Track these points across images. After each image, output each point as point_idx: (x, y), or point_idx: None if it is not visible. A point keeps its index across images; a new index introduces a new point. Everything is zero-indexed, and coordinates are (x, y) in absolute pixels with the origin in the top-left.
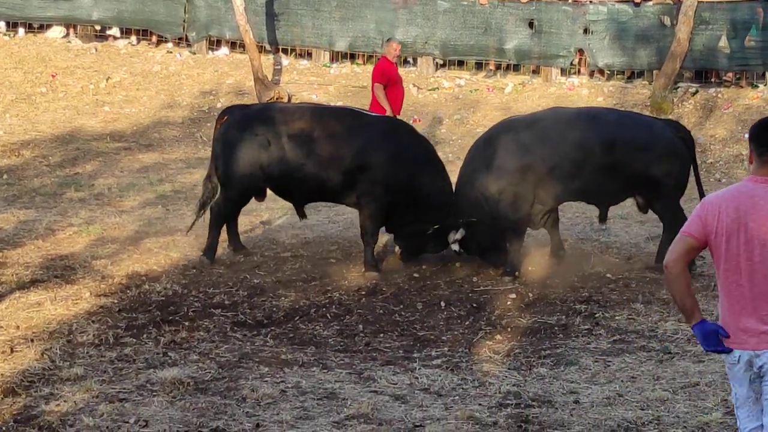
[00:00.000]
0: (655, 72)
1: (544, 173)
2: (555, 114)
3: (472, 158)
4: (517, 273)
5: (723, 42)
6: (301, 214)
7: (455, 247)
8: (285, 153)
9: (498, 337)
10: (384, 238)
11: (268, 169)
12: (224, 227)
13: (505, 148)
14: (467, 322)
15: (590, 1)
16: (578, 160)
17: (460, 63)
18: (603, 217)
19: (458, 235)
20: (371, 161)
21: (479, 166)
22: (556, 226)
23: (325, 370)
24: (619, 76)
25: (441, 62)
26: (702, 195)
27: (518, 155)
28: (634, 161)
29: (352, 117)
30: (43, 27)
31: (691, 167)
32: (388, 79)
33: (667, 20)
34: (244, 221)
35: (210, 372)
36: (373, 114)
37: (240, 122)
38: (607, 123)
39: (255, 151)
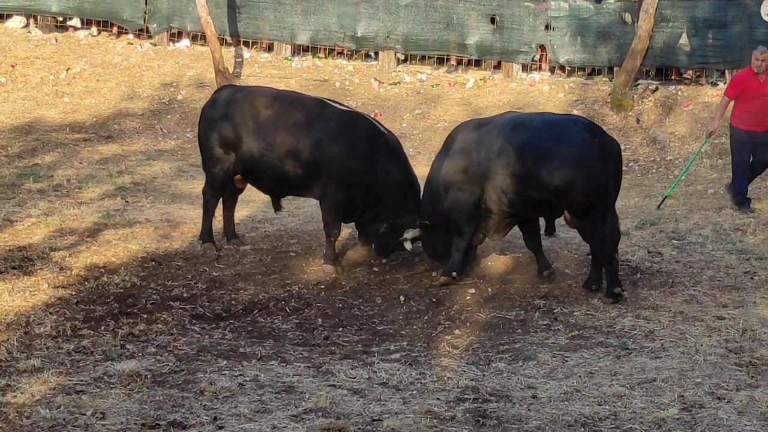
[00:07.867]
0: (615, 69)
1: (481, 177)
2: (500, 119)
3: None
4: (454, 274)
5: (683, 40)
6: (277, 207)
7: (407, 245)
8: (250, 139)
9: (457, 331)
10: (345, 232)
11: (236, 154)
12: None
13: (455, 148)
14: (426, 317)
15: None
16: (501, 167)
17: (422, 58)
18: (549, 230)
19: (410, 234)
20: (326, 155)
21: (436, 164)
22: (538, 246)
23: (283, 364)
24: (579, 72)
25: (402, 57)
26: (605, 209)
27: (461, 156)
28: (539, 171)
29: (316, 107)
30: (2, 17)
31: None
32: (741, 92)
33: (628, 17)
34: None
35: (168, 365)
36: (336, 106)
37: (214, 103)
38: (524, 131)
39: (224, 135)
